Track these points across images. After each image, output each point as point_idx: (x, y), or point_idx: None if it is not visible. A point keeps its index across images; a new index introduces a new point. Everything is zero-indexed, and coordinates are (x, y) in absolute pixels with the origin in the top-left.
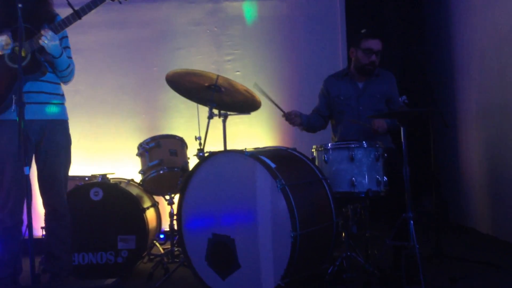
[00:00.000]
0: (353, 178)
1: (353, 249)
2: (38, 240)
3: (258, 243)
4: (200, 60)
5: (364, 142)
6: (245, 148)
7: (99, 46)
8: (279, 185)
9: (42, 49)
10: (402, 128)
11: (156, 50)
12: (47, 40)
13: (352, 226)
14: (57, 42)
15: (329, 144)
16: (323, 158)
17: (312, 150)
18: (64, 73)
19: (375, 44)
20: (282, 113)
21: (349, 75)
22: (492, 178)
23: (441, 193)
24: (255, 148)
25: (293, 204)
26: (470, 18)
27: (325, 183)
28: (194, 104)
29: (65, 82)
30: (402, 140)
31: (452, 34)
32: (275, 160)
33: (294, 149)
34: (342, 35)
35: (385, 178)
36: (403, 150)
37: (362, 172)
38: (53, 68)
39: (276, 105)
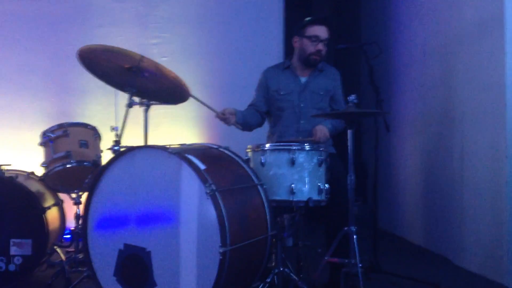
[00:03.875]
0: (293, 185)
1: (286, 263)
2: None
3: (180, 258)
4: (122, 42)
5: (306, 144)
6: (170, 144)
7: (5, 18)
8: (208, 190)
9: None
10: (349, 131)
11: (71, 27)
12: None
13: (287, 238)
14: None
15: (268, 145)
16: (260, 160)
17: (247, 151)
18: None
19: (322, 31)
20: (214, 113)
21: (291, 67)
22: (426, 188)
23: (374, 200)
24: (181, 145)
25: (224, 213)
26: (413, 19)
27: (261, 190)
28: (111, 89)
29: None
30: (349, 144)
31: (391, 35)
32: (204, 160)
33: (227, 148)
34: (280, 22)
35: (327, 185)
36: (349, 155)
37: (303, 178)
38: None
39: (207, 106)
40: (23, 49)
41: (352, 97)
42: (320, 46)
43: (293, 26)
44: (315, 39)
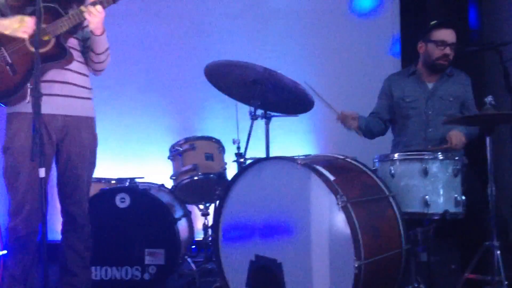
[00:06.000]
0: (427, 196)
1: (420, 280)
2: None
3: (312, 271)
4: (237, 57)
5: (439, 153)
6: (298, 155)
7: (130, 39)
8: (340, 202)
9: (71, 31)
10: (488, 138)
11: (190, 45)
12: (94, 15)
13: (421, 253)
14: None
15: (397, 154)
16: (389, 170)
17: (375, 161)
18: (101, 57)
19: (448, 35)
20: (336, 114)
21: (416, 73)
22: None
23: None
24: (306, 156)
25: (357, 225)
26: None
27: (392, 201)
28: (231, 103)
29: (98, 71)
30: (488, 152)
31: None
32: (333, 171)
33: (354, 159)
34: (396, 26)
35: (463, 197)
36: (489, 164)
37: (438, 189)
38: (87, 52)
39: (328, 105)
40: (147, 67)
41: (489, 99)
42: (447, 50)
43: (410, 30)
44: (441, 43)
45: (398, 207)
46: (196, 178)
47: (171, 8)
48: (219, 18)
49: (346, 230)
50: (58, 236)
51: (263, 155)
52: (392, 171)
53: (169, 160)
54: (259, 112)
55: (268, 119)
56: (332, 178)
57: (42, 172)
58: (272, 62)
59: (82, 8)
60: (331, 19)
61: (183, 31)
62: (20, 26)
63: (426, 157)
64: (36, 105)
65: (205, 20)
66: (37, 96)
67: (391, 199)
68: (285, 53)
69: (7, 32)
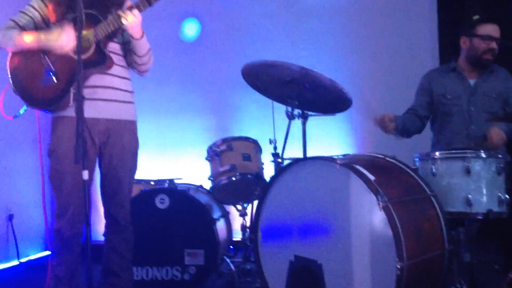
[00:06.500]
0: (469, 196)
1: (463, 281)
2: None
3: (353, 272)
4: (274, 56)
5: (482, 151)
6: (337, 155)
7: (166, 40)
8: (381, 202)
9: (111, 36)
10: None
11: (226, 45)
12: (131, 19)
13: (464, 253)
14: (140, 21)
15: (438, 153)
16: (430, 169)
17: (415, 160)
18: (144, 59)
19: (494, 30)
20: (372, 118)
21: (457, 70)
22: None
23: None
24: (344, 155)
25: (399, 226)
26: None
27: (434, 201)
28: (267, 103)
29: (143, 72)
30: None
31: None
32: (373, 170)
33: (394, 158)
34: (434, 23)
35: (507, 196)
36: None
37: (480, 188)
38: (129, 56)
39: (369, 107)
40: (184, 69)
41: None
42: (494, 44)
43: (448, 25)
44: (488, 38)
45: (440, 207)
46: (234, 178)
47: (208, 9)
48: (255, 17)
49: (388, 231)
50: (102, 237)
51: (300, 155)
52: (434, 170)
53: (207, 161)
54: (296, 111)
55: (305, 118)
56: (372, 178)
57: (85, 175)
58: (309, 61)
59: (120, 13)
60: (367, 16)
61: (218, 32)
62: (60, 39)
63: (469, 155)
64: (79, 109)
65: (241, 20)
66: (79, 101)
67: (432, 199)
68: (322, 51)
69: (53, 46)
